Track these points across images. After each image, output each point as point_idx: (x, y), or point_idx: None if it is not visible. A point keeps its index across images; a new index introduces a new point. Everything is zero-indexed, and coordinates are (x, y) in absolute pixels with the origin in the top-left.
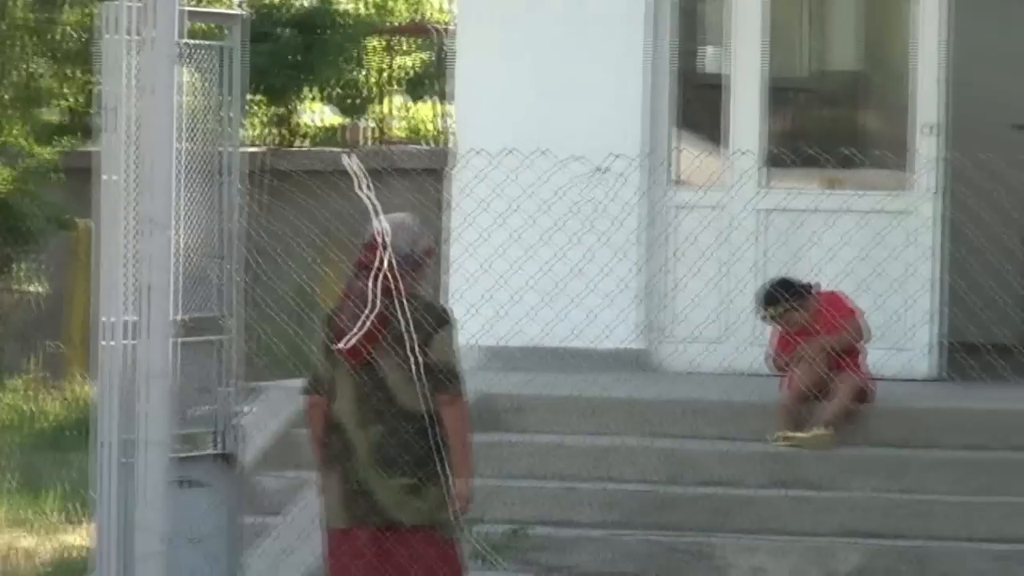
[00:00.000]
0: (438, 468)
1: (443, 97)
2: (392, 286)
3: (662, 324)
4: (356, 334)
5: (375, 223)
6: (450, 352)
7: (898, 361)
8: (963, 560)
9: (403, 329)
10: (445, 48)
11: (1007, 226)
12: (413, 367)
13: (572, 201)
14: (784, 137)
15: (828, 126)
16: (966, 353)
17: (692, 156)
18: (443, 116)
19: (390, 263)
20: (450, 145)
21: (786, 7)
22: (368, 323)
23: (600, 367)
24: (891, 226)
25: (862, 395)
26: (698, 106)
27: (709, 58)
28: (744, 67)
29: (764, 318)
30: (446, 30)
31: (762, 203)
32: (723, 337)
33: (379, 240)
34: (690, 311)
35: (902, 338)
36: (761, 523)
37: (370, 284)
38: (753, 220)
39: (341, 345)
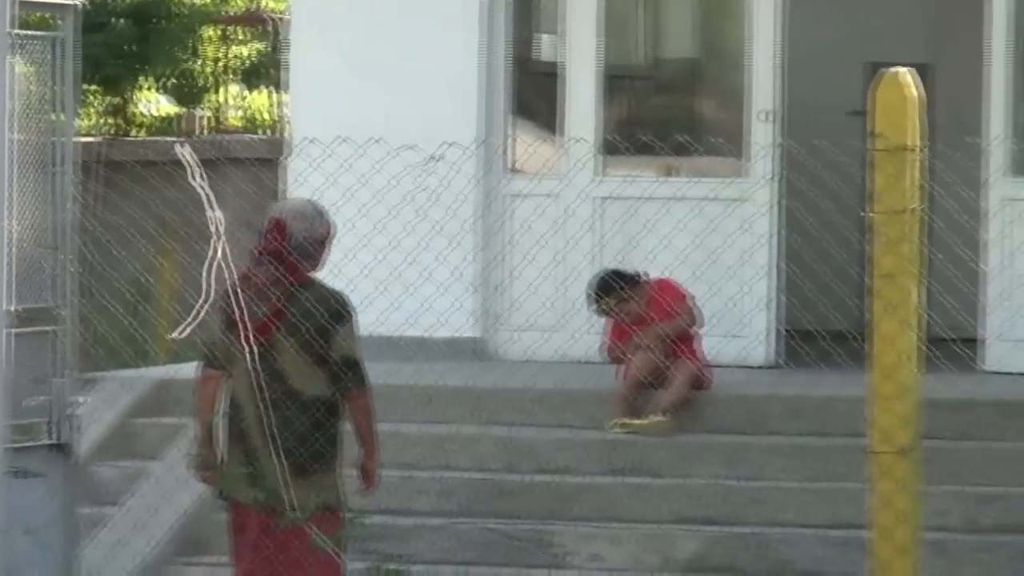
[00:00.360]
0: (333, 455)
1: (279, 86)
2: (290, 271)
3: (498, 312)
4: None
5: (273, 210)
6: (351, 341)
7: (734, 348)
8: (801, 546)
9: (302, 316)
10: (281, 37)
11: (842, 213)
12: (311, 352)
13: (406, 190)
14: (620, 125)
15: (664, 114)
16: (802, 340)
17: (528, 144)
18: (279, 105)
19: (288, 250)
20: (285, 134)
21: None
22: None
23: (436, 356)
24: (726, 213)
25: (698, 382)
26: (534, 94)
27: (545, 46)
28: (580, 55)
29: (597, 311)
30: (282, 19)
31: (597, 191)
32: (559, 325)
33: (275, 227)
34: (526, 299)
35: (738, 325)
36: (599, 511)
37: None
38: (589, 208)
39: (179, 332)
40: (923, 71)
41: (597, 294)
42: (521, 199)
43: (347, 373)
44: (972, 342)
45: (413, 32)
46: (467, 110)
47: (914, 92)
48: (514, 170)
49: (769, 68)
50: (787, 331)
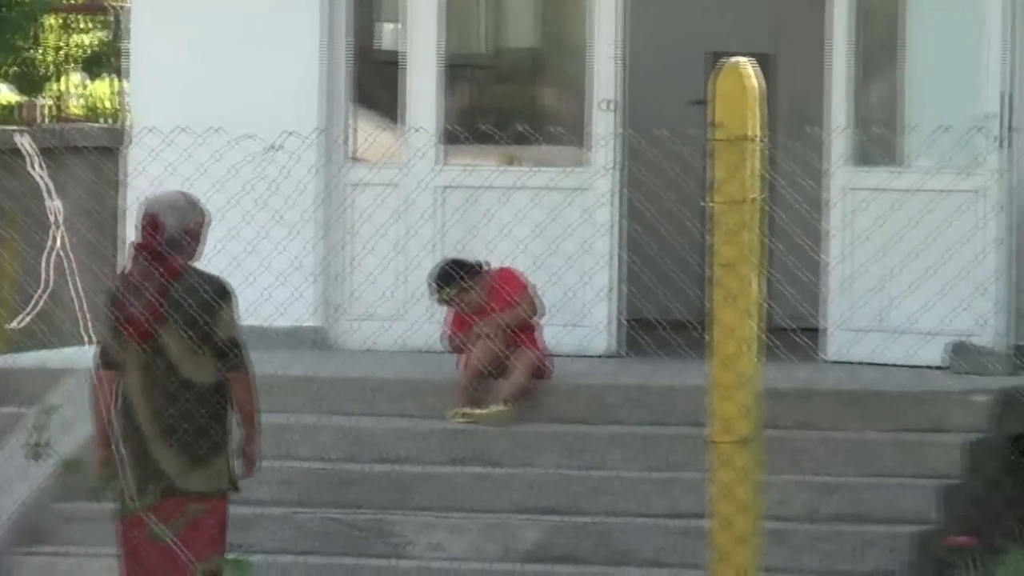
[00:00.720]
0: (220, 438)
1: (120, 75)
2: (166, 262)
3: (338, 302)
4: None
5: (147, 203)
6: (232, 324)
7: (575, 337)
8: (642, 536)
9: (181, 303)
10: (122, 25)
11: (683, 203)
12: (195, 340)
13: (246, 179)
14: (462, 114)
15: (506, 103)
16: (643, 329)
17: (369, 133)
18: (120, 94)
19: (164, 240)
20: (126, 123)
21: None
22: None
23: (276, 345)
24: (567, 202)
25: (539, 371)
26: (376, 83)
27: (387, 35)
28: (421, 44)
29: (438, 300)
30: (123, 7)
31: (438, 180)
32: (399, 314)
33: (147, 220)
34: (366, 289)
35: (579, 315)
36: (440, 500)
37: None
38: (429, 197)
39: (18, 321)
40: (764, 61)
41: (437, 284)
42: (362, 188)
43: (228, 354)
44: (813, 331)
45: (253, 21)
46: (308, 99)
47: (754, 82)
48: (355, 159)
49: (610, 58)
50: (628, 320)
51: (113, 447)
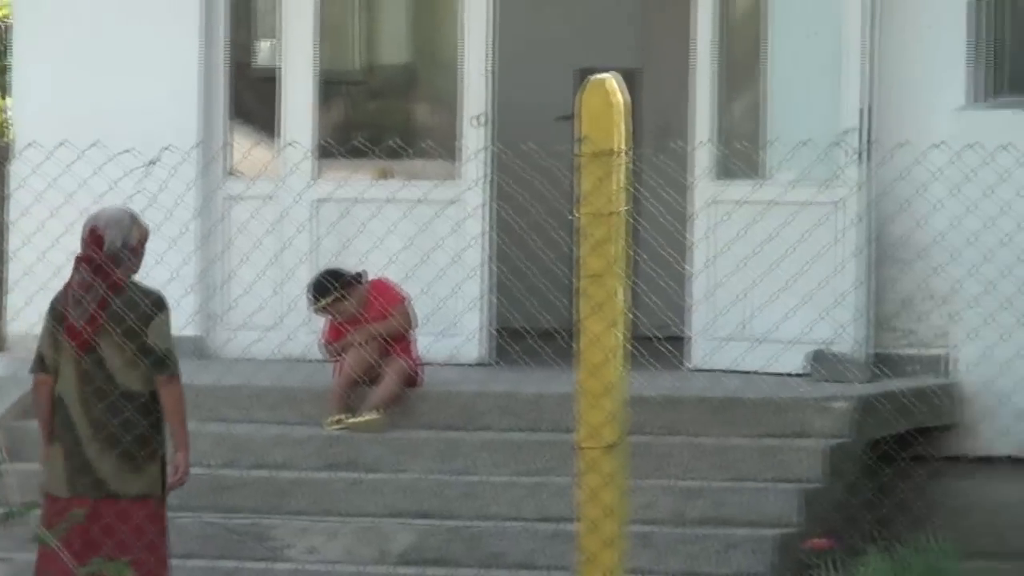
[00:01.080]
0: (153, 443)
1: (4, 91)
2: (107, 276)
3: (216, 312)
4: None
5: (91, 218)
6: (165, 335)
7: (447, 347)
8: (512, 539)
9: (120, 315)
10: (5, 42)
11: (551, 215)
12: (132, 350)
13: (127, 193)
14: (337, 129)
15: (380, 118)
16: (512, 339)
17: (245, 148)
18: (3, 110)
19: (106, 255)
20: (9, 139)
21: (337, 1)
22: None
23: None
24: (438, 215)
25: (411, 380)
26: (253, 98)
27: (263, 52)
28: (296, 61)
29: (316, 310)
30: (6, 24)
31: (312, 193)
32: (276, 324)
33: (90, 234)
34: (243, 299)
35: (450, 324)
36: (316, 505)
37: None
38: (304, 210)
39: None
40: (631, 76)
41: (314, 295)
42: (239, 201)
43: (161, 364)
44: (678, 340)
45: (133, 36)
46: (187, 114)
47: (619, 98)
48: (232, 173)
49: (480, 74)
50: (498, 330)
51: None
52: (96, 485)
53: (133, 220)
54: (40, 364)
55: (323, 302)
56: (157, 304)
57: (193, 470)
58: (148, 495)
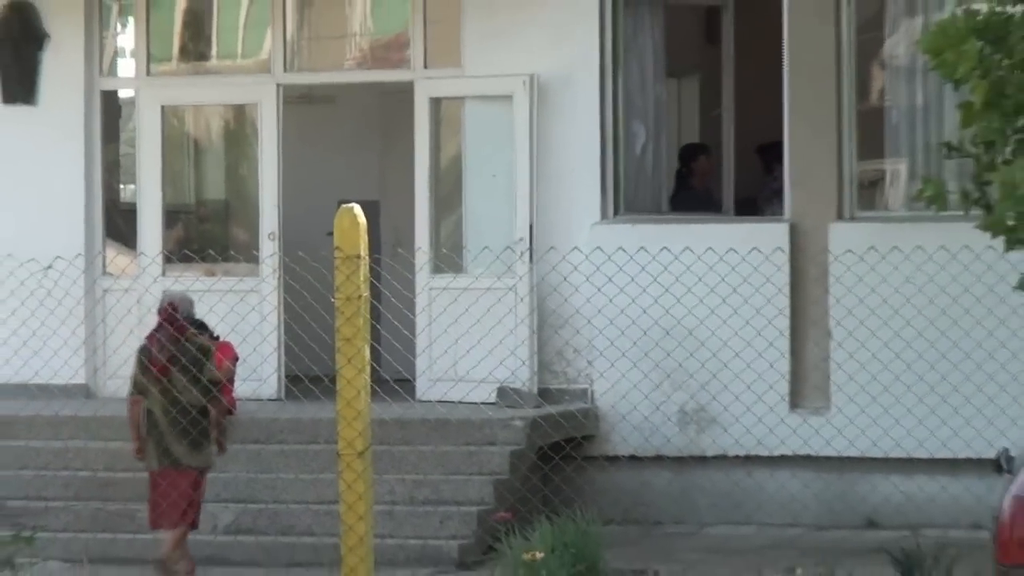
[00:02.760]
0: (207, 436)
1: None
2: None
3: (96, 366)
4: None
5: (165, 295)
6: (212, 369)
7: (251, 387)
8: (299, 515)
9: (186, 358)
10: None
11: (320, 299)
12: (191, 376)
13: (30, 288)
14: (176, 243)
15: (205, 235)
16: (294, 382)
17: (113, 256)
18: None
19: (179, 318)
20: None
21: (175, 156)
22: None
23: (57, 395)
24: (243, 299)
25: (230, 411)
26: (120, 223)
27: (127, 192)
28: (147, 198)
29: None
30: None
31: (159, 286)
32: None
33: (167, 304)
34: (113, 357)
35: (252, 371)
36: None
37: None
38: (153, 297)
39: None
40: (374, 205)
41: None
42: (110, 292)
43: (210, 386)
44: (406, 381)
45: (36, 180)
46: (74, 234)
47: (362, 219)
48: (105, 273)
49: (273, 204)
50: (286, 376)
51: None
52: (173, 461)
53: (190, 299)
54: (134, 388)
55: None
56: (206, 349)
57: (80, 473)
58: (203, 466)
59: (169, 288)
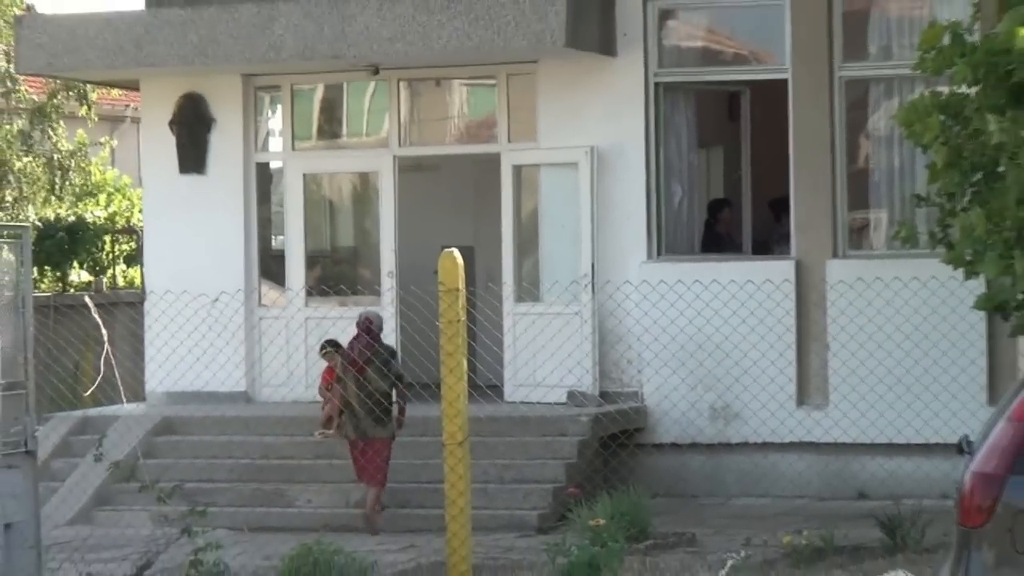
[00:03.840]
0: (388, 414)
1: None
2: (375, 338)
3: (255, 378)
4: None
5: (363, 312)
6: (398, 366)
7: None
8: (416, 494)
9: (378, 359)
10: (139, 239)
11: (428, 324)
12: (382, 373)
13: (201, 317)
14: (316, 280)
15: (340, 274)
16: (411, 386)
17: (268, 291)
18: (142, 272)
19: (373, 330)
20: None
21: (313, 212)
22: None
23: (225, 400)
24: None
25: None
26: (271, 266)
27: (277, 240)
28: (293, 245)
29: (323, 356)
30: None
31: (303, 314)
32: (284, 383)
33: (363, 319)
34: (270, 373)
35: None
36: (309, 475)
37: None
38: (300, 322)
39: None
40: (470, 250)
41: (324, 349)
42: (264, 319)
43: (397, 381)
44: (496, 387)
45: (206, 231)
46: (235, 274)
47: (460, 260)
48: (261, 304)
49: (391, 248)
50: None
51: (336, 417)
52: (363, 433)
53: (381, 317)
54: (338, 381)
55: (327, 353)
56: (393, 352)
57: (242, 460)
58: (387, 436)
59: (366, 309)
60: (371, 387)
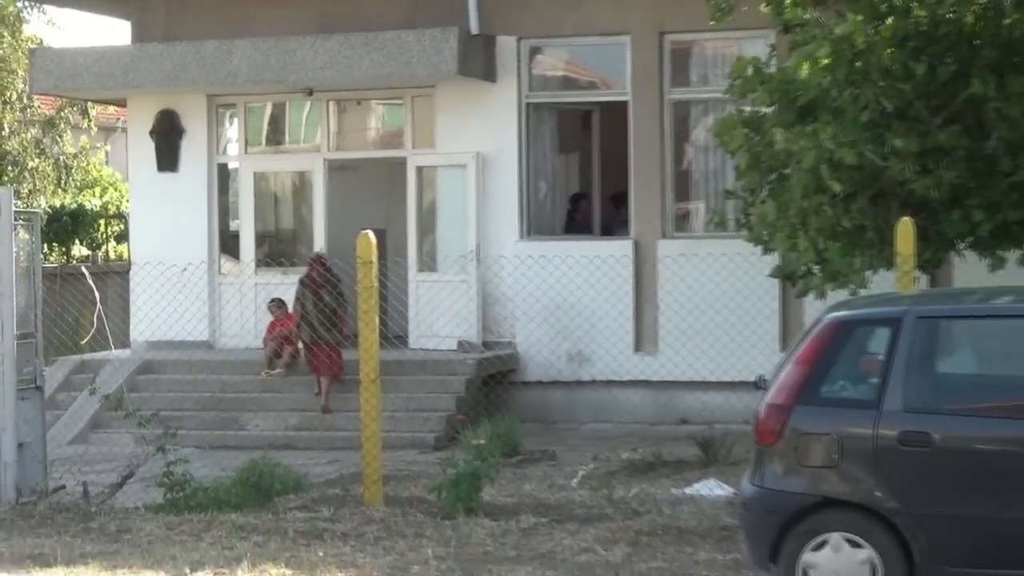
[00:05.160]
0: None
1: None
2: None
3: (215, 329)
4: None
5: (314, 254)
6: (342, 289)
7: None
8: (341, 419)
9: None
10: (126, 220)
11: (349, 289)
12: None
13: (172, 281)
14: (264, 254)
15: (282, 250)
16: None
17: (225, 263)
18: (129, 245)
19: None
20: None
21: (261, 202)
22: None
23: (191, 348)
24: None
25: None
26: (229, 243)
27: (233, 224)
28: (246, 227)
29: (271, 310)
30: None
31: (252, 281)
32: (238, 333)
33: (319, 256)
34: (223, 324)
35: None
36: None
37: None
38: (252, 288)
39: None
40: (382, 232)
41: (270, 305)
42: (223, 284)
43: (340, 297)
44: (403, 337)
45: (178, 217)
46: (201, 250)
47: (373, 240)
48: (220, 273)
49: (321, 230)
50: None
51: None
52: (319, 337)
53: (326, 255)
54: (296, 303)
55: (275, 308)
56: (338, 279)
57: (205, 394)
58: (335, 341)
59: (316, 251)
60: (324, 302)
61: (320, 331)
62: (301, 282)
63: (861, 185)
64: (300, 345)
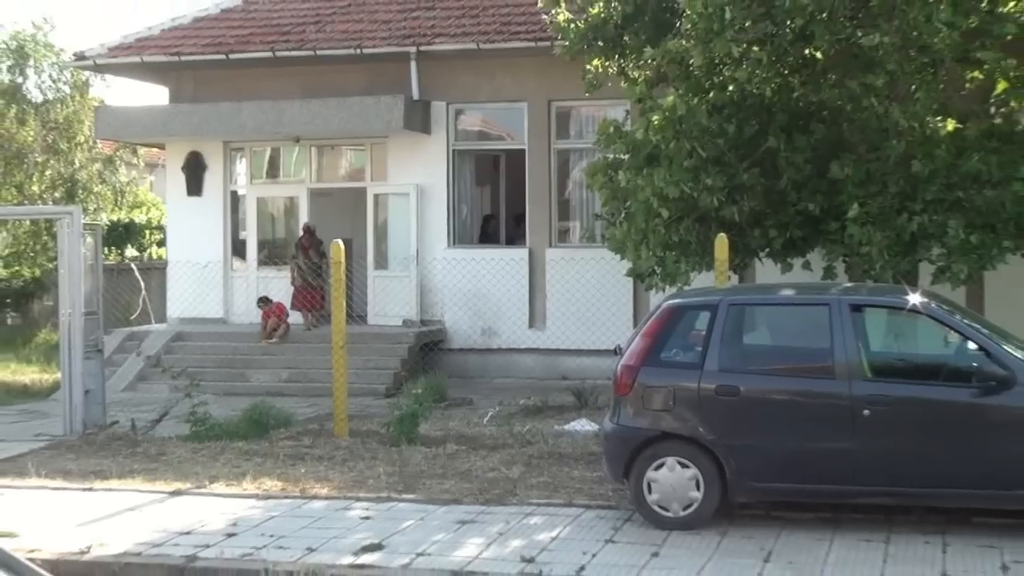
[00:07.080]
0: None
1: (163, 244)
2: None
3: (229, 309)
4: None
5: (305, 224)
6: (323, 250)
7: (296, 318)
8: (319, 376)
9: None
10: (163, 227)
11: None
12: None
13: (197, 276)
14: (265, 256)
15: (277, 253)
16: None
17: (236, 262)
18: (167, 250)
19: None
20: (166, 258)
21: (263, 219)
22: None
23: (211, 323)
24: (277, 277)
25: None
26: (239, 247)
27: (242, 234)
28: (251, 237)
29: (260, 306)
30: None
31: (256, 275)
32: (243, 313)
33: (308, 227)
34: (234, 307)
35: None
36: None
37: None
38: (255, 280)
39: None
40: (349, 240)
41: (259, 302)
42: (235, 278)
43: (322, 255)
44: (363, 317)
45: (200, 225)
46: (218, 253)
47: (342, 246)
48: (232, 270)
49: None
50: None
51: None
52: (306, 282)
53: (314, 225)
54: (292, 261)
55: (261, 304)
56: (321, 242)
57: (220, 356)
58: (318, 287)
59: (305, 222)
60: (312, 256)
61: (308, 279)
62: (296, 245)
63: (685, 212)
64: (292, 289)
